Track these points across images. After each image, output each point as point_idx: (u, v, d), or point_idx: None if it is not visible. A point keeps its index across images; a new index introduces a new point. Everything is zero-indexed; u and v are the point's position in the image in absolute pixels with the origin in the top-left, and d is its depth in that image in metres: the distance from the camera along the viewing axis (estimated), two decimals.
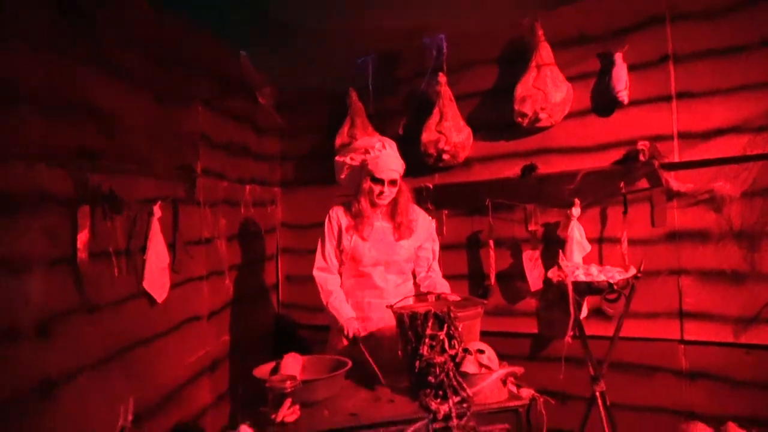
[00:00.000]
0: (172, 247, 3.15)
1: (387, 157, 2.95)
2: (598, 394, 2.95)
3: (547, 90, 3.50)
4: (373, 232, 3.02)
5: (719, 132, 3.23)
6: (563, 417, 3.15)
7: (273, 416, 2.23)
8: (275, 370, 2.61)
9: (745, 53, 3.17)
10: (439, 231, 3.78)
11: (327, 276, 3.03)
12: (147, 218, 2.94)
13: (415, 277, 3.20)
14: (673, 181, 3.34)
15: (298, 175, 4.65)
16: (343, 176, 3.13)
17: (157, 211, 2.97)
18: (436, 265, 3.19)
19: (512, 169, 3.76)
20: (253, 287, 4.29)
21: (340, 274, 3.08)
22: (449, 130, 3.80)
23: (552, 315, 3.60)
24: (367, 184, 2.96)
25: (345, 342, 2.92)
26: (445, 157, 3.85)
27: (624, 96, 3.41)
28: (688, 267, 3.34)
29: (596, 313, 3.49)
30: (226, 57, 3.96)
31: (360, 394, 2.59)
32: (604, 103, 3.52)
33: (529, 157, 3.72)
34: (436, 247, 3.20)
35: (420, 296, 3.05)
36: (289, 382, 2.28)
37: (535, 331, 3.74)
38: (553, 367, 3.39)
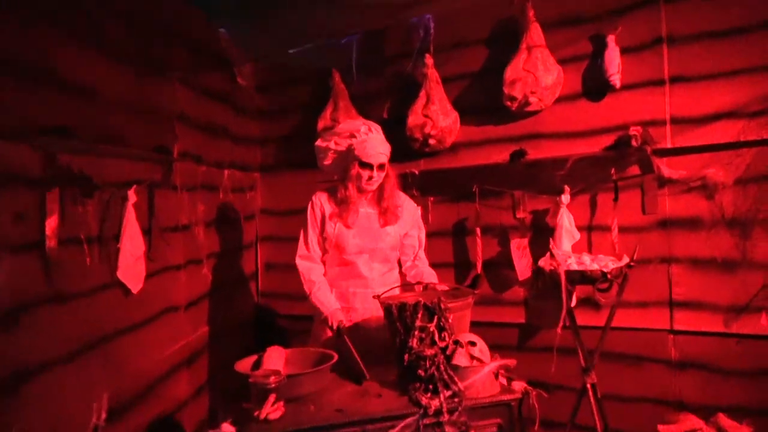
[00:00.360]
0: (147, 233, 3.00)
1: (374, 141, 2.83)
2: (589, 386, 2.89)
3: (538, 73, 3.39)
4: (357, 218, 2.90)
5: (713, 117, 3.16)
6: (552, 408, 3.07)
7: (256, 413, 2.11)
8: (257, 364, 2.49)
9: (741, 36, 3.10)
10: (425, 218, 3.68)
11: (310, 265, 2.91)
12: (121, 203, 2.78)
13: (400, 266, 3.09)
14: (665, 167, 3.27)
15: (279, 159, 4.49)
16: (327, 162, 3.00)
17: (132, 195, 2.81)
18: (422, 254, 3.09)
19: (500, 155, 3.66)
20: (232, 276, 4.14)
21: (324, 263, 2.96)
22: (436, 114, 3.69)
23: (542, 304, 3.52)
24: (355, 169, 2.84)
25: (329, 333, 2.81)
26: (432, 141, 3.73)
27: (616, 80, 3.32)
28: (679, 255, 3.28)
29: (584, 302, 3.42)
30: (206, 32, 3.79)
31: (346, 388, 2.48)
32: (596, 86, 3.43)
33: (518, 143, 3.63)
34: (423, 236, 3.09)
35: (407, 286, 2.94)
36: (273, 378, 2.16)
37: (523, 320, 3.67)
38: (542, 358, 3.33)
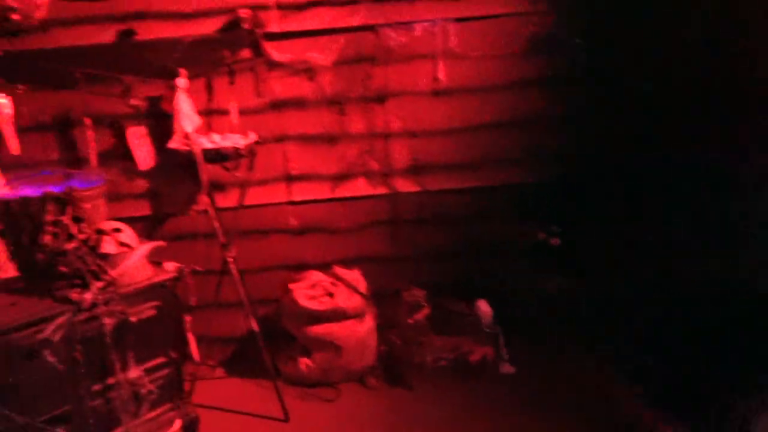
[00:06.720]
0: None
1: None
2: (230, 260, 3.02)
3: None
4: None
5: (313, 3, 3.44)
6: (200, 291, 3.09)
7: None
8: None
9: None
10: (17, 111, 3.13)
11: None
12: None
13: None
14: (274, 51, 3.46)
15: None
16: None
17: None
18: None
19: (104, 35, 3.31)
20: None
21: None
22: None
23: (174, 189, 3.43)
24: None
25: None
26: (15, 17, 3.12)
27: None
28: (291, 133, 3.59)
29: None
30: None
31: None
32: None
33: (124, 22, 3.32)
34: None
35: None
36: None
37: (149, 212, 3.53)
38: (178, 247, 3.28)
